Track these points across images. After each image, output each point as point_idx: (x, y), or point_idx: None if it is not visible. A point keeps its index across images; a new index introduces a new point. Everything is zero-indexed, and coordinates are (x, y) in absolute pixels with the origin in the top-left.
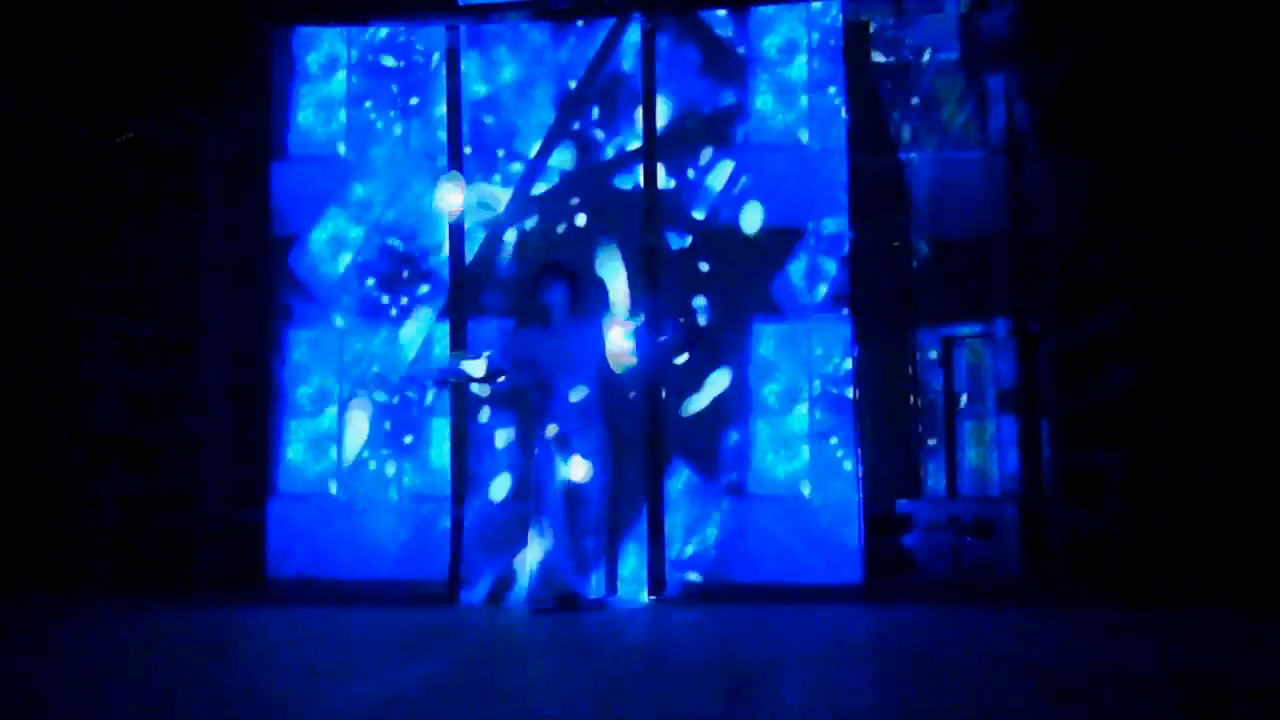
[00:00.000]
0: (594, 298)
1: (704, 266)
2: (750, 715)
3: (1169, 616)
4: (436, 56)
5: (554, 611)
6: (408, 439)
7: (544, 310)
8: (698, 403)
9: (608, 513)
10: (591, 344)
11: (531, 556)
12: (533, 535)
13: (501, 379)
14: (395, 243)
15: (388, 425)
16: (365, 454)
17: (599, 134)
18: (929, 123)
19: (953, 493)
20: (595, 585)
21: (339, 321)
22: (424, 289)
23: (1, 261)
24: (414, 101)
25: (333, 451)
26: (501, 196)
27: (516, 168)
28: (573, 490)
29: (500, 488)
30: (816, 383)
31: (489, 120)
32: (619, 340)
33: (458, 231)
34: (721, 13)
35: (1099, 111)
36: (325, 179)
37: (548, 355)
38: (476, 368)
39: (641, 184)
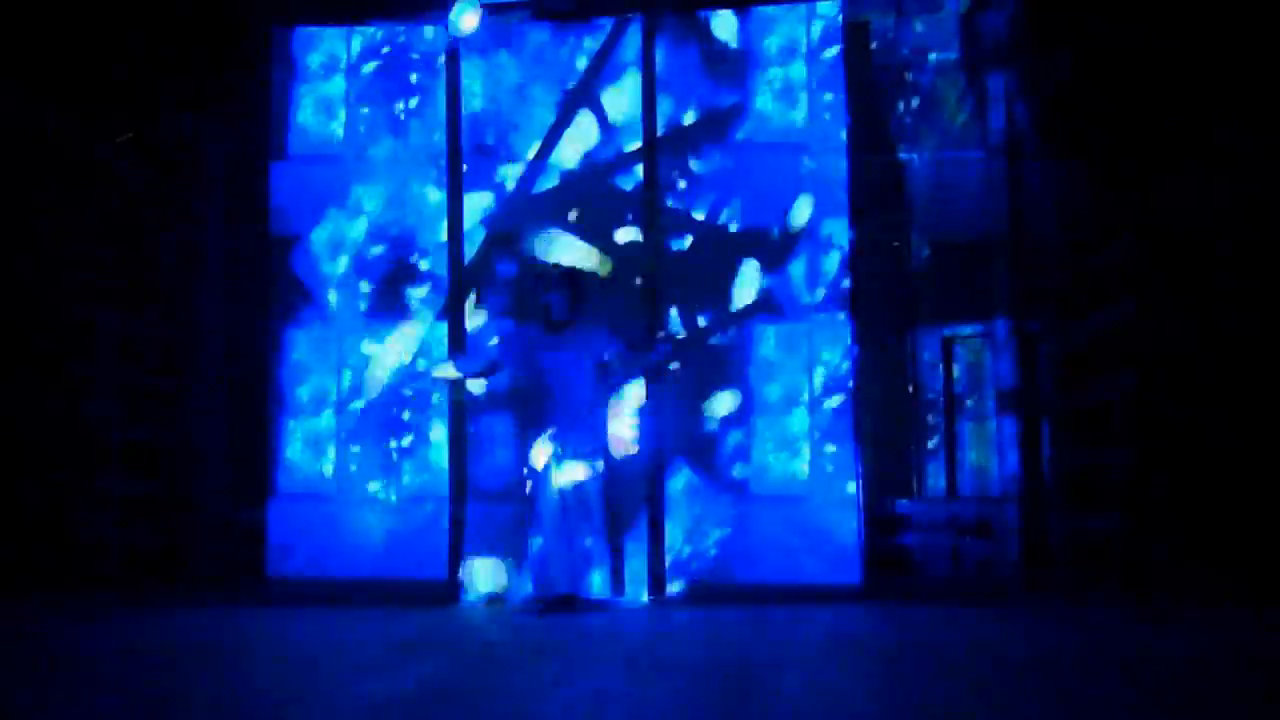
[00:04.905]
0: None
1: (704, 266)
2: (750, 715)
3: (1169, 616)
4: (437, 56)
5: (552, 612)
6: (407, 440)
7: (543, 311)
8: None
9: (606, 513)
10: (590, 345)
11: (529, 557)
12: (530, 536)
13: (496, 373)
14: (394, 243)
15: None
16: (364, 455)
17: (599, 134)
18: (929, 123)
19: (953, 493)
20: (594, 586)
21: (338, 322)
22: (423, 289)
23: (2, 261)
24: (414, 102)
25: (332, 451)
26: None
27: (516, 168)
28: (570, 490)
29: (499, 487)
30: (817, 383)
31: (489, 120)
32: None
33: (457, 232)
34: (721, 13)
35: (1099, 111)
36: (325, 179)
37: (546, 355)
38: (472, 365)
39: (642, 184)
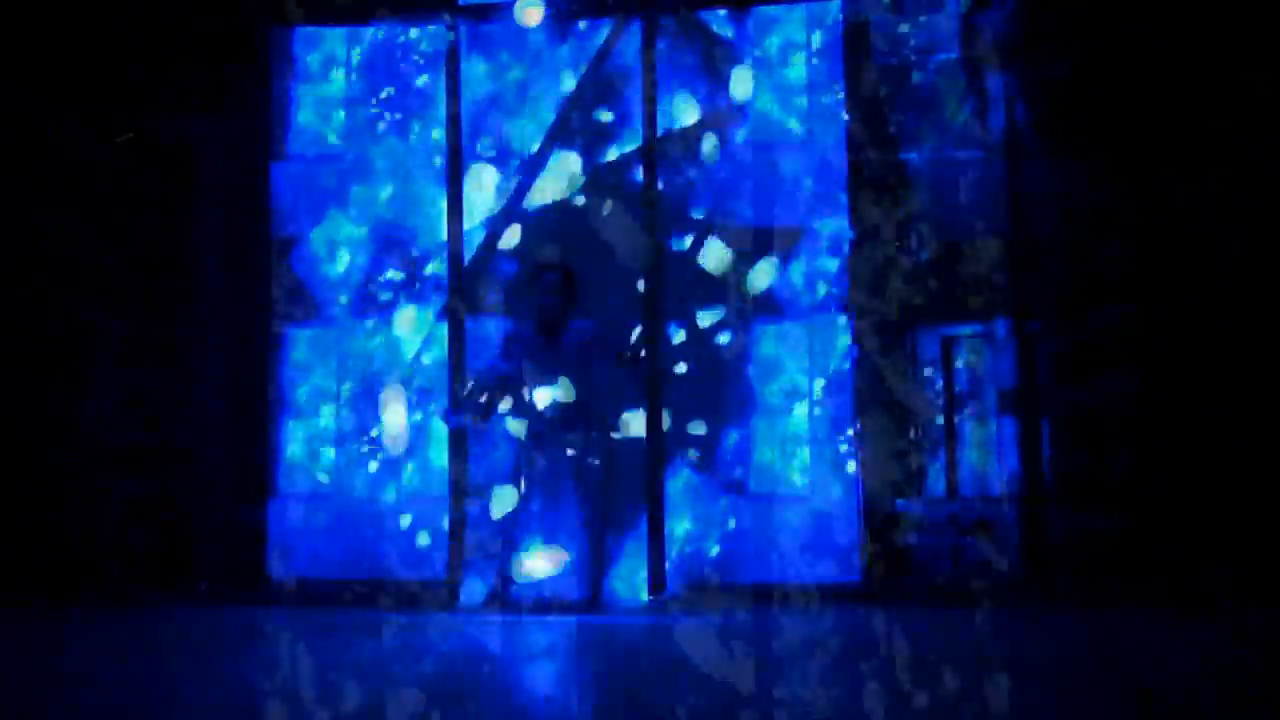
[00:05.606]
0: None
1: (704, 266)
2: (750, 715)
3: (1169, 617)
4: (437, 56)
5: (549, 612)
6: (406, 440)
7: (537, 307)
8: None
9: (601, 512)
10: (584, 341)
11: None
12: (525, 536)
13: (507, 383)
14: (395, 243)
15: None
16: (365, 452)
17: (598, 134)
18: (929, 123)
19: (953, 493)
20: (591, 586)
21: (338, 321)
22: (423, 289)
23: (2, 261)
24: (414, 101)
25: (332, 451)
26: None
27: (516, 168)
28: (564, 489)
29: (497, 488)
30: (816, 383)
31: (489, 120)
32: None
33: (457, 232)
34: (721, 13)
35: (1099, 111)
36: (325, 179)
37: (541, 352)
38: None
39: (641, 184)
